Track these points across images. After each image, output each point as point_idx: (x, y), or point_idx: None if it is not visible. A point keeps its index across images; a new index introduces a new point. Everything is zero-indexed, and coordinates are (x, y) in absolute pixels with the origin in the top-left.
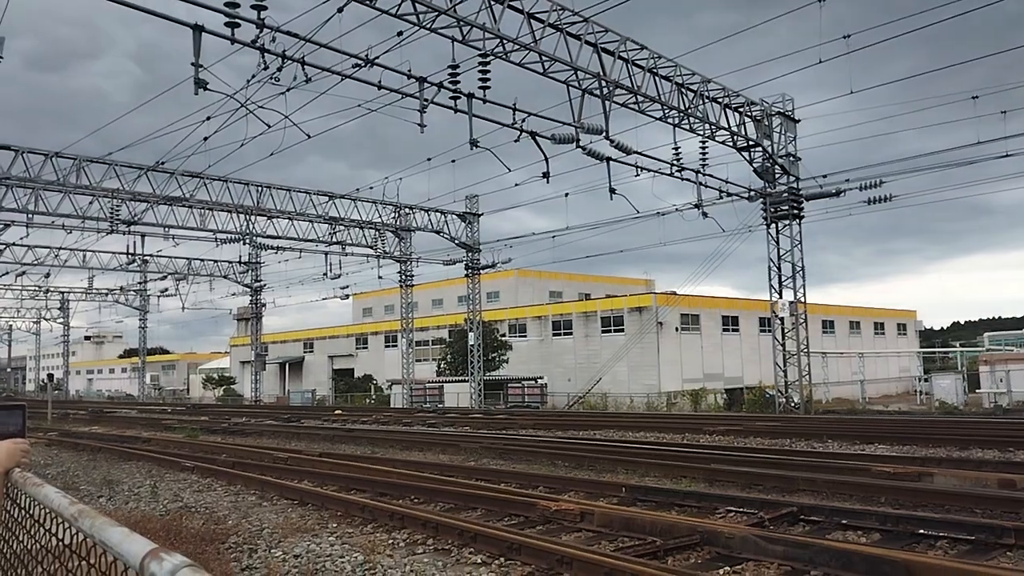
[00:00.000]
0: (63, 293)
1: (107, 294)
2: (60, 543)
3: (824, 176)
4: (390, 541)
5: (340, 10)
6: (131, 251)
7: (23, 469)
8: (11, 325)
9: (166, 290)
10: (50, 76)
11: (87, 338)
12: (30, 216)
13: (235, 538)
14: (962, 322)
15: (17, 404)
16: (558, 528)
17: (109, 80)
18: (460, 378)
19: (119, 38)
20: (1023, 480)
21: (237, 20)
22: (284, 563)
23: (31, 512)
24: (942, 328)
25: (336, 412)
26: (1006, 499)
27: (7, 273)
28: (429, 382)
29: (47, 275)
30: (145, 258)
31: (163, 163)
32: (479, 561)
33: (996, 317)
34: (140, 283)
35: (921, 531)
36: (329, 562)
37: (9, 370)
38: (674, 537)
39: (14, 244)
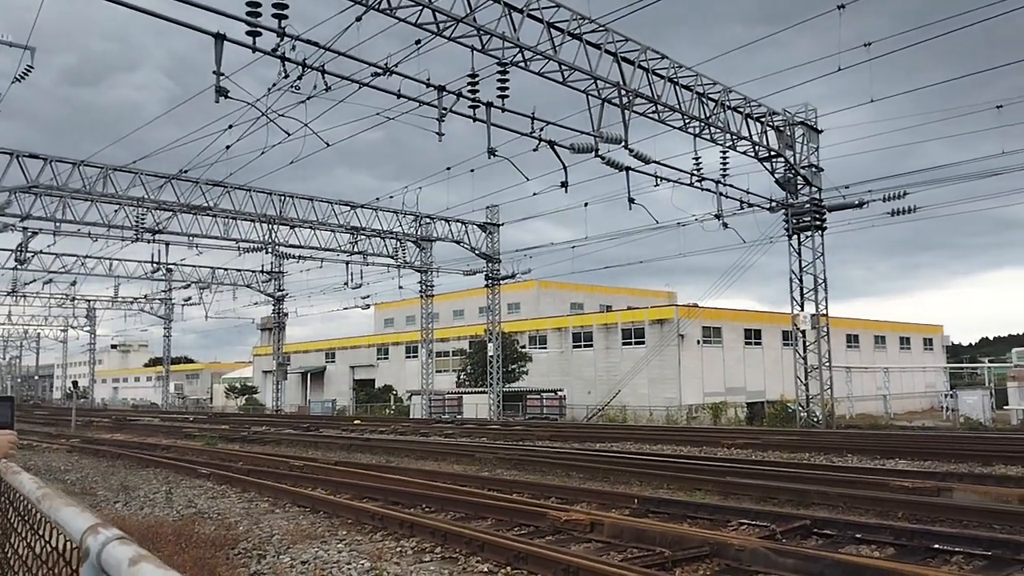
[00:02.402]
0: (89, 301)
1: (132, 302)
2: (32, 529)
3: (847, 187)
4: (398, 549)
5: (359, 19)
6: (156, 259)
7: (8, 459)
8: (39, 333)
9: (189, 299)
10: (86, 90)
11: (113, 347)
12: (57, 224)
13: (245, 544)
14: (990, 338)
15: (5, 397)
16: (568, 538)
17: (142, 93)
18: (479, 389)
19: (152, 52)
20: None
21: (258, 29)
22: (291, 569)
23: (12, 500)
24: (970, 344)
25: (355, 422)
26: None
27: (35, 280)
28: (448, 393)
29: (74, 283)
30: (169, 267)
31: (187, 171)
32: (486, 570)
33: None
34: (165, 291)
35: (936, 546)
36: (336, 568)
37: (37, 378)
38: (683, 548)
39: (42, 252)
